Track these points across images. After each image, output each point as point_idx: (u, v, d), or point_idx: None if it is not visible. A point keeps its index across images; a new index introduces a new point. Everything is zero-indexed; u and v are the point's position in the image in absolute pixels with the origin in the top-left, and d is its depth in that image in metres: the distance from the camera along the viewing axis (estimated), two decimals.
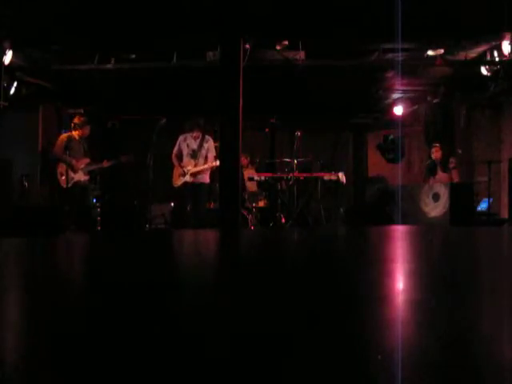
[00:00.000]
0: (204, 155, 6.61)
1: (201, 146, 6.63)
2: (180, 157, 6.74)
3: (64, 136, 6.71)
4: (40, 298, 0.95)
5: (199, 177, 6.59)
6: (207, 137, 7.05)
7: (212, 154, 6.68)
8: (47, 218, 6.36)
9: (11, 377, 0.54)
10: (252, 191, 7.78)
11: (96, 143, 7.73)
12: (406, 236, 2.84)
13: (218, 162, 6.72)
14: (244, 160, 8.31)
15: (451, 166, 7.08)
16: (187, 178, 6.55)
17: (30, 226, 6.09)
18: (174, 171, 6.72)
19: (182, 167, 6.61)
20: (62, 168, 6.52)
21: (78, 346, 0.65)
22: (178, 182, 6.63)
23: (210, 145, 6.72)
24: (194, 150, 6.62)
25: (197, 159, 6.59)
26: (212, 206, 7.47)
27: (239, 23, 5.02)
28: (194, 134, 6.64)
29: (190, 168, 6.56)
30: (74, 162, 6.46)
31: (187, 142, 6.67)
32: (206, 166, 6.61)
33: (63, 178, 6.48)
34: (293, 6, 5.05)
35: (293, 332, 0.72)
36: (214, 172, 7.19)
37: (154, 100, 8.74)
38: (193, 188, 6.56)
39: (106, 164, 6.76)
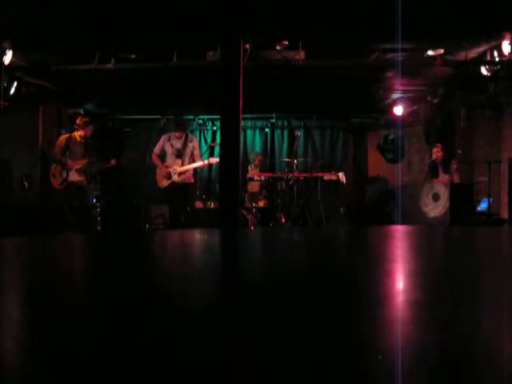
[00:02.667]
0: (189, 154, 6.60)
1: (185, 145, 6.62)
2: (162, 157, 6.72)
3: (64, 137, 6.69)
4: (37, 299, 0.95)
5: (186, 177, 6.58)
6: (191, 136, 7.03)
7: (197, 151, 6.69)
8: (47, 218, 6.36)
9: (11, 377, 0.54)
10: (252, 191, 7.80)
11: (96, 143, 7.73)
12: (406, 236, 2.84)
13: (212, 160, 6.75)
14: (257, 160, 8.38)
15: (453, 168, 7.07)
16: (175, 178, 6.52)
17: (30, 225, 6.09)
18: (158, 172, 6.67)
19: (166, 167, 6.57)
20: (54, 169, 6.50)
21: (74, 348, 0.65)
22: (164, 182, 6.58)
23: (194, 144, 6.73)
24: (178, 150, 6.60)
25: (183, 158, 6.58)
26: (212, 205, 7.48)
27: (239, 23, 5.02)
28: (177, 134, 6.64)
29: (177, 167, 6.53)
30: (69, 162, 6.43)
31: (171, 142, 6.66)
32: (197, 165, 6.59)
33: (55, 179, 6.47)
34: (293, 6, 5.06)
35: (292, 332, 0.72)
36: (196, 171, 7.22)
37: (154, 100, 8.75)
38: (180, 189, 6.54)
39: (114, 163, 6.72)
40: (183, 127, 6.79)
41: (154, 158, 6.70)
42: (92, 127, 6.71)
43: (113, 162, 6.72)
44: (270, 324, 0.76)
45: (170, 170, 6.50)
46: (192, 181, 6.77)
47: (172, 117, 9.20)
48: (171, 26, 5.55)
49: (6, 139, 7.49)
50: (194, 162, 6.57)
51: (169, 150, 6.63)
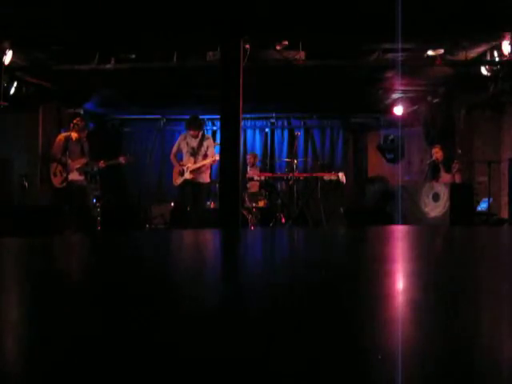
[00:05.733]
0: (203, 153, 6.61)
1: (201, 144, 6.63)
2: (179, 155, 6.76)
3: (62, 136, 6.72)
4: (38, 299, 0.95)
5: (199, 176, 6.58)
6: (207, 135, 7.05)
7: (212, 150, 6.68)
8: (47, 218, 6.37)
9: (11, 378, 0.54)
10: (252, 191, 7.80)
11: (96, 143, 7.73)
12: (406, 236, 2.84)
13: (217, 157, 6.75)
14: (251, 159, 8.36)
15: (454, 169, 7.06)
16: (187, 176, 6.54)
17: (29, 225, 6.09)
18: (174, 170, 6.72)
19: (181, 166, 6.60)
20: (55, 168, 6.52)
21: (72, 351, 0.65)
22: (178, 180, 6.62)
23: (209, 143, 6.73)
24: (193, 148, 6.62)
25: (196, 157, 6.58)
26: (212, 205, 7.49)
27: (239, 23, 5.02)
28: (192, 133, 6.64)
29: (190, 165, 6.55)
30: (69, 161, 6.46)
31: (187, 141, 6.68)
32: (206, 161, 6.60)
33: (56, 178, 6.50)
34: (293, 6, 5.06)
35: (291, 331, 0.72)
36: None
37: (154, 100, 8.75)
38: (193, 187, 6.56)
39: (102, 164, 6.77)
40: (197, 126, 6.76)
41: (172, 157, 6.76)
42: (87, 131, 6.76)
43: (101, 163, 6.75)
44: (272, 323, 0.76)
45: (184, 167, 6.54)
46: (207, 180, 6.75)
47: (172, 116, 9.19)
48: (171, 26, 5.56)
49: (6, 139, 7.49)
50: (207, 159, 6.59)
51: (184, 148, 6.66)
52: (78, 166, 6.55)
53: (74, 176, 6.52)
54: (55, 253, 1.93)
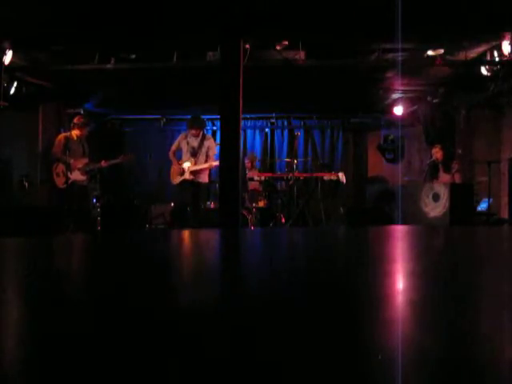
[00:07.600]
0: (204, 153, 6.61)
1: (201, 144, 6.62)
2: (178, 154, 6.75)
3: (62, 136, 6.73)
4: (38, 300, 0.95)
5: (199, 176, 6.58)
6: (208, 135, 7.05)
7: (213, 152, 6.67)
8: (47, 218, 6.37)
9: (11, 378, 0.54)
10: (252, 191, 7.80)
11: (96, 143, 7.73)
12: (406, 236, 2.84)
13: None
14: (249, 164, 8.33)
15: (454, 168, 7.06)
16: (186, 176, 6.54)
17: (29, 226, 6.10)
18: (172, 168, 6.72)
19: (180, 165, 6.59)
20: (58, 168, 6.53)
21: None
22: (176, 179, 6.62)
23: (210, 143, 6.72)
24: (194, 148, 6.61)
25: (197, 157, 6.58)
26: (212, 205, 7.49)
27: (239, 23, 5.02)
28: (194, 132, 6.63)
29: (190, 165, 6.55)
30: (71, 161, 6.46)
31: (187, 140, 6.67)
32: (207, 165, 6.60)
33: (59, 178, 6.49)
34: (293, 6, 5.06)
35: (291, 331, 0.72)
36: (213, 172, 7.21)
37: (154, 100, 8.75)
38: (192, 187, 6.55)
39: (104, 164, 6.78)
40: (199, 125, 6.75)
41: (170, 155, 6.76)
42: (88, 129, 6.75)
43: (103, 162, 6.75)
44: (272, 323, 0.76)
45: (184, 167, 6.53)
46: (206, 181, 6.75)
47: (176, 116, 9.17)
48: (171, 26, 5.56)
49: (6, 139, 7.49)
50: (207, 161, 6.59)
51: (184, 147, 6.65)
52: (80, 165, 6.55)
53: (77, 176, 6.52)
54: (55, 253, 1.93)
